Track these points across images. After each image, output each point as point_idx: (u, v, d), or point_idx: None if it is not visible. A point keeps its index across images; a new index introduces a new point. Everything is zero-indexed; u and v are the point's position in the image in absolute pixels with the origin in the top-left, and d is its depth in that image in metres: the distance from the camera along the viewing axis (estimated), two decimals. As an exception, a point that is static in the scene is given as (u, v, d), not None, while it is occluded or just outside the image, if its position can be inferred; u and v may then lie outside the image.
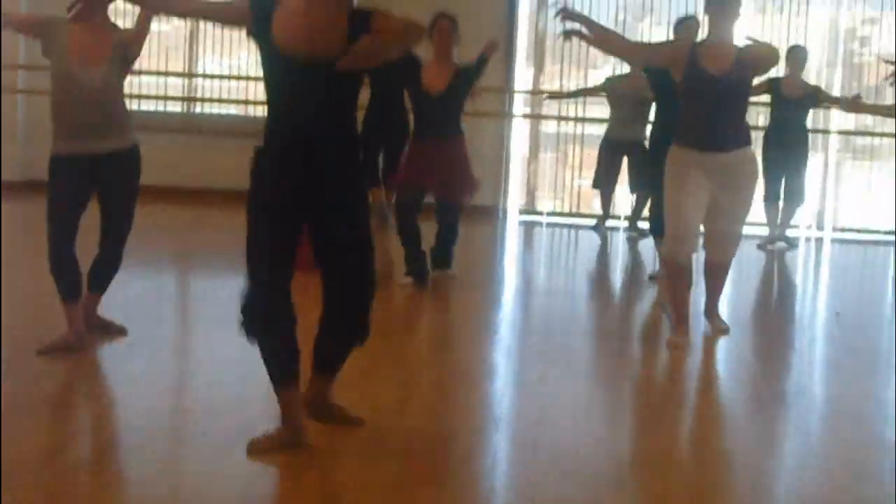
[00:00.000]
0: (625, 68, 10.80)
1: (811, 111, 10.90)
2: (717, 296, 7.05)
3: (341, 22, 4.28)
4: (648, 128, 9.92)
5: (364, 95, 4.61)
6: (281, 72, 4.32)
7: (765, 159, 10.13)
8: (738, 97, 6.55)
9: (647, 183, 8.74)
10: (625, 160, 10.86)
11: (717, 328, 7.04)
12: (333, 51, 4.22)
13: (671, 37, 8.82)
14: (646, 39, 11.48)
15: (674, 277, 6.81)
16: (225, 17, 4.51)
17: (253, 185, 4.40)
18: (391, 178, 9.47)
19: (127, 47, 5.92)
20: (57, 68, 5.83)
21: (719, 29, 6.49)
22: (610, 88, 10.96)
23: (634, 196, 10.97)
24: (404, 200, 8.17)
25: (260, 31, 4.31)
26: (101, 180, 5.90)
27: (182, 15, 5.18)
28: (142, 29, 5.99)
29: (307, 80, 4.27)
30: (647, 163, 8.82)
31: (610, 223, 11.35)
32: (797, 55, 10.60)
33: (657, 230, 7.80)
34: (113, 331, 6.21)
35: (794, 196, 10.82)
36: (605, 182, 11.11)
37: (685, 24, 8.51)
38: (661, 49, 7.26)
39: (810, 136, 11.00)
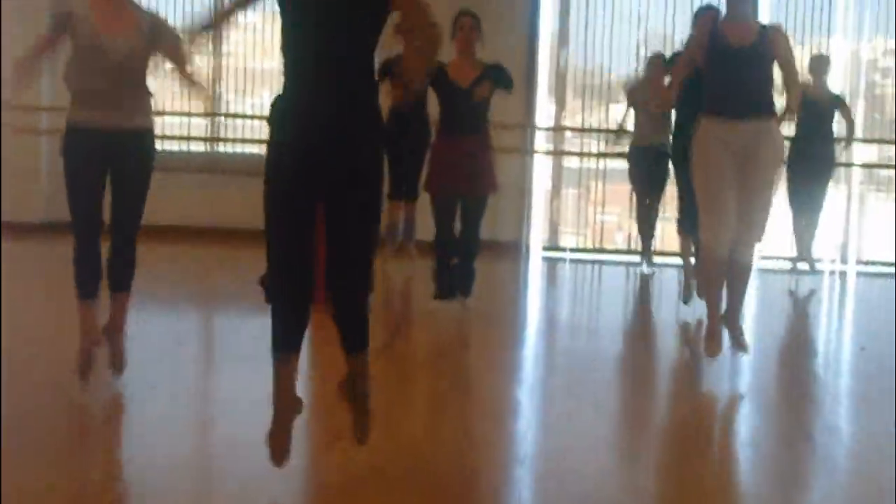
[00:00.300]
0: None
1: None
2: (739, 300, 6.94)
3: None
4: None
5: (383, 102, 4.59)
6: (298, 27, 4.33)
7: (790, 169, 10.21)
8: (760, 67, 6.63)
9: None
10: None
11: (738, 342, 6.94)
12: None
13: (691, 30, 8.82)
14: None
15: (712, 271, 6.77)
16: None
17: (270, 148, 4.42)
18: (419, 181, 9.35)
19: (157, 32, 5.84)
20: (79, 36, 5.72)
21: (742, 6, 6.61)
22: (631, 97, 10.94)
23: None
24: (441, 207, 8.15)
25: None
26: (113, 158, 5.79)
27: None
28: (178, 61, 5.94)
29: (325, 33, 4.28)
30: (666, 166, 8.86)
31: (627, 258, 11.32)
32: (820, 63, 10.67)
33: (689, 228, 7.83)
34: (115, 360, 6.03)
35: (817, 204, 10.82)
36: (640, 190, 11.03)
37: (707, 14, 8.38)
38: (688, 48, 7.25)
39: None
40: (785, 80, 6.81)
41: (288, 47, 4.38)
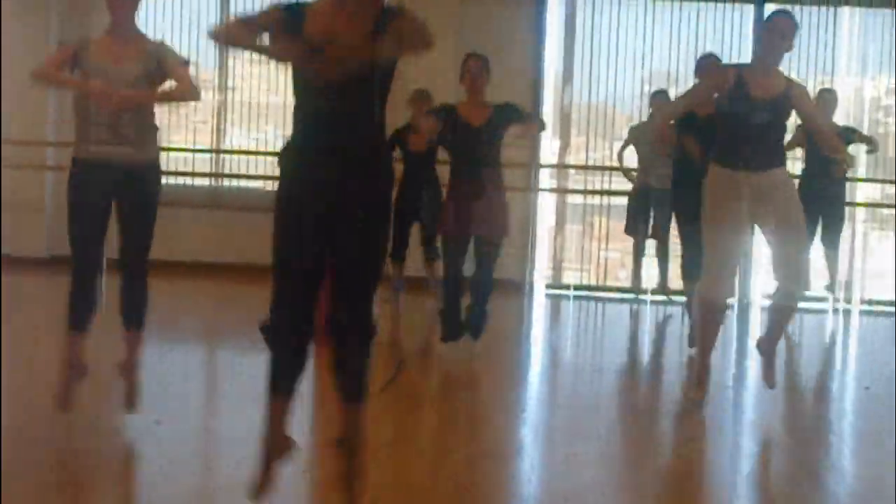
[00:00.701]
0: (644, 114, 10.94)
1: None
2: (777, 334, 6.92)
3: (369, 19, 4.30)
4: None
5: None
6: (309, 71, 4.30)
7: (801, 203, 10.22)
8: (781, 121, 6.59)
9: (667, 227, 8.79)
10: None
11: (768, 375, 6.91)
12: (360, 49, 4.22)
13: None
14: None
15: (706, 318, 6.76)
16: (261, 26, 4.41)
17: (280, 188, 4.42)
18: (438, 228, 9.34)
19: (162, 61, 5.84)
20: (85, 66, 5.76)
21: (771, 56, 6.52)
22: (634, 138, 11.03)
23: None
24: (453, 248, 8.13)
25: (291, 32, 4.30)
26: (118, 192, 5.79)
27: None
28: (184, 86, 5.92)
29: (336, 93, 4.25)
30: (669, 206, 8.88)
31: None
32: (827, 97, 10.65)
33: (691, 274, 7.84)
34: (130, 397, 6.00)
35: (833, 241, 10.82)
36: (634, 229, 11.17)
37: (709, 61, 8.41)
38: (702, 85, 7.22)
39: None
40: (815, 135, 6.79)
41: (299, 104, 4.39)
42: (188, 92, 5.91)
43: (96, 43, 5.83)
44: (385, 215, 4.45)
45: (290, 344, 4.43)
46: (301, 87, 4.36)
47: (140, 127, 5.83)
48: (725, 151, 6.60)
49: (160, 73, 5.87)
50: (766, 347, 6.95)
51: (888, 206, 12.65)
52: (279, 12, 4.34)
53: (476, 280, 8.13)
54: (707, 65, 8.20)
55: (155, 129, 5.98)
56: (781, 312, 6.86)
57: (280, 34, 4.33)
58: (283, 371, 4.47)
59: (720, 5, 12.32)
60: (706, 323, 6.84)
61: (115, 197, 5.84)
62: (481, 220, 7.97)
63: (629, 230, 11.43)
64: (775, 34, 6.49)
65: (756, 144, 6.50)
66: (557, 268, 12.78)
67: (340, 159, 4.29)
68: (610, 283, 12.78)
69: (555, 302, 12.05)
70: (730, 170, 6.54)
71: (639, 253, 11.49)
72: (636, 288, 11.55)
